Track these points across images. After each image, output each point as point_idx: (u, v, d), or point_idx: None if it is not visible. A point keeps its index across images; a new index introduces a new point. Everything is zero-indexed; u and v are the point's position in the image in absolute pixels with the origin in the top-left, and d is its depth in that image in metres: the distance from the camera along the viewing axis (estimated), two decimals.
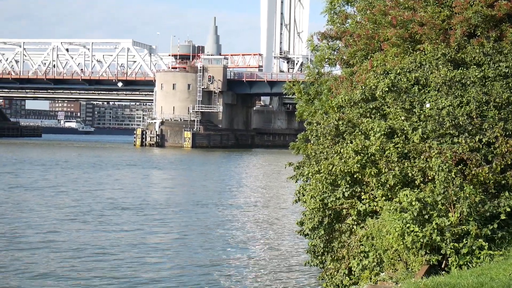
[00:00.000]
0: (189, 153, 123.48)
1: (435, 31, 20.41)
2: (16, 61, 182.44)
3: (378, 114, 18.66)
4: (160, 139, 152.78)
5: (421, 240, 14.78)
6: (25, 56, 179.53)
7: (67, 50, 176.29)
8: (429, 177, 16.44)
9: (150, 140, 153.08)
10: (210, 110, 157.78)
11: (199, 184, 59.36)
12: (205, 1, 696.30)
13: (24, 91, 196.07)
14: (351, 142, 17.65)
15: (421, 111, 17.75)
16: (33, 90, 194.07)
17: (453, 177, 15.71)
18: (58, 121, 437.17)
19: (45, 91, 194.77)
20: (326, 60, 28.33)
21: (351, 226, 17.43)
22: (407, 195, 15.20)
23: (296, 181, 20.62)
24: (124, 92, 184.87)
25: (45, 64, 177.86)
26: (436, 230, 14.84)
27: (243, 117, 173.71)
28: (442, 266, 15.30)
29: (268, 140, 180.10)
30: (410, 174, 16.53)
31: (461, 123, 17.13)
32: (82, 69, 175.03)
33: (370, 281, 16.09)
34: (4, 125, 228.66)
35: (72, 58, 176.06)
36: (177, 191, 54.05)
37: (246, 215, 40.04)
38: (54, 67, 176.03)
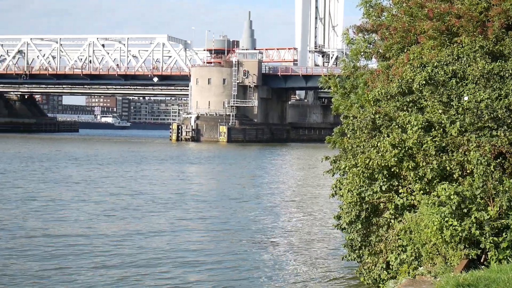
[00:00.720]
0: (225, 148, 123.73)
1: (472, 23, 20.23)
2: (53, 57, 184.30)
3: (415, 107, 18.55)
4: (196, 133, 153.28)
5: (460, 234, 14.68)
6: (62, 52, 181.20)
7: (103, 45, 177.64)
8: (468, 171, 16.32)
9: (186, 135, 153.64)
10: (245, 105, 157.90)
11: (235, 179, 59.47)
12: None
13: (61, 86, 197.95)
14: (388, 136, 17.57)
15: (459, 104, 17.61)
16: (69, 86, 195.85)
17: (492, 171, 15.58)
18: (94, 116, 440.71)
19: (82, 87, 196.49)
20: (362, 53, 28.19)
21: (388, 220, 17.36)
22: (445, 189, 15.10)
23: (333, 175, 20.57)
24: (160, 87, 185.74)
25: (81, 59, 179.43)
26: (475, 224, 14.74)
27: (278, 111, 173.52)
28: (482, 260, 15.20)
29: (303, 134, 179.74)
30: (448, 168, 16.42)
31: (499, 116, 16.96)
32: (118, 65, 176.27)
33: (408, 275, 16.02)
34: (41, 121, 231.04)
35: (108, 53, 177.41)
36: (213, 185, 54.22)
37: (282, 209, 40.05)
38: (90, 62, 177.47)
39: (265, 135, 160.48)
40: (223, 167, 74.45)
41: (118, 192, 46.06)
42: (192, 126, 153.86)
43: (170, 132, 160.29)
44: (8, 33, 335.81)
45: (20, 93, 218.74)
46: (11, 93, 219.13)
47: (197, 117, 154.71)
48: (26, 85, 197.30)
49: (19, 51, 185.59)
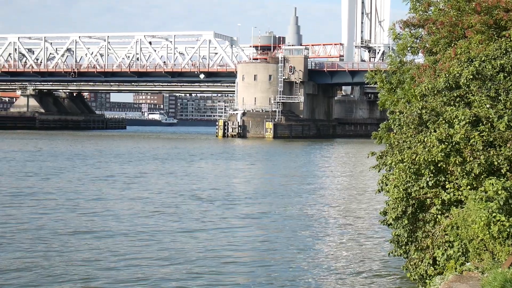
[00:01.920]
0: (271, 144, 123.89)
1: None
2: (101, 55, 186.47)
3: (462, 102, 18.41)
4: (242, 130, 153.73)
5: (508, 229, 14.56)
6: (109, 49, 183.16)
7: (150, 43, 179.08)
8: None
9: (232, 131, 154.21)
10: (291, 101, 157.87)
11: (282, 175, 59.57)
12: None
13: (108, 84, 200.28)
14: (435, 131, 17.47)
15: (507, 99, 17.44)
16: (117, 83, 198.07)
17: None
18: (142, 113, 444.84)
19: (129, 84, 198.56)
20: (409, 48, 28.02)
21: (435, 215, 17.27)
22: (493, 184, 14.98)
23: (379, 171, 20.52)
24: (206, 84, 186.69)
25: (128, 57, 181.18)
26: None
27: (324, 107, 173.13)
28: None
29: (349, 130, 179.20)
30: (496, 163, 16.28)
31: None
32: (164, 62, 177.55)
33: (456, 271, 15.93)
34: (90, 118, 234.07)
35: (155, 51, 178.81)
36: (260, 181, 54.39)
37: (328, 205, 40.05)
38: (138, 60, 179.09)
39: (311, 131, 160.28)
40: (269, 163, 74.61)
41: (165, 189, 46.48)
42: (238, 122, 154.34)
43: (217, 129, 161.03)
44: (57, 32, 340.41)
45: (69, 90, 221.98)
46: (60, 90, 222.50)
47: (243, 113, 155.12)
48: (74, 83, 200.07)
49: (68, 49, 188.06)
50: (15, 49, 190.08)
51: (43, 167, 61.32)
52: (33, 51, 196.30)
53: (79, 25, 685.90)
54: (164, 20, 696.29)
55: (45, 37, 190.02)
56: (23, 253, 24.58)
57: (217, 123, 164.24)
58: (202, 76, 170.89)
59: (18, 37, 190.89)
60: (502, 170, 16.24)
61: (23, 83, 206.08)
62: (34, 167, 61.55)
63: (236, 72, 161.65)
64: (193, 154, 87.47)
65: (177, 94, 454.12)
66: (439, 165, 17.01)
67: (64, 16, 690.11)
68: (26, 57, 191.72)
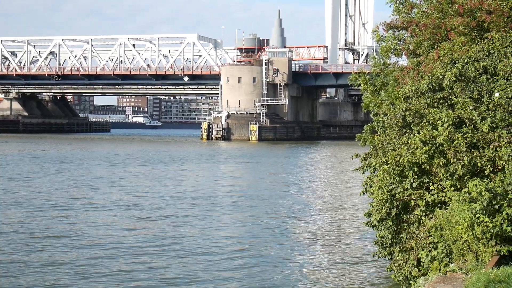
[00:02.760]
0: (255, 146, 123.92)
1: (503, 18, 20.11)
2: (85, 58, 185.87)
3: (446, 104, 18.49)
4: (226, 132, 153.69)
5: (491, 230, 14.62)
6: (93, 52, 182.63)
7: (133, 45, 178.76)
8: (499, 167, 16.25)
9: (217, 134, 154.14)
10: (275, 103, 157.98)
11: (266, 177, 59.58)
12: None
13: (92, 87, 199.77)
14: (419, 133, 17.53)
15: (490, 100, 17.53)
16: (101, 86, 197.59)
17: None
18: (126, 116, 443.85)
19: (113, 87, 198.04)
20: (392, 50, 28.11)
21: (419, 217, 17.34)
22: (476, 185, 15.04)
23: (363, 173, 20.57)
24: (190, 87, 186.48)
25: (112, 60, 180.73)
26: (506, 221, 14.66)
27: (309, 109, 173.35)
28: None
29: (334, 132, 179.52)
30: (479, 164, 16.36)
31: None
32: (148, 65, 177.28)
33: (440, 272, 16.00)
34: (74, 121, 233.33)
35: (139, 53, 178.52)
36: (243, 184, 54.37)
37: (312, 207, 40.07)
38: (121, 63, 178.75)
39: (296, 133, 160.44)
40: (253, 166, 74.60)
41: (146, 193, 46.36)
42: (222, 125, 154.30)
43: (201, 131, 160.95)
44: (40, 35, 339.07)
45: (52, 93, 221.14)
46: (44, 94, 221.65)
47: (228, 116, 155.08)
48: (58, 86, 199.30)
49: (51, 52, 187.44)
50: None
51: (21, 171, 61.02)
52: (16, 54, 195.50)
53: (63, 28, 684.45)
54: (148, 23, 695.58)
55: (28, 40, 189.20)
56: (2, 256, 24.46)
57: (201, 126, 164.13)
58: (186, 78, 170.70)
59: (1, 40, 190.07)
60: (485, 171, 16.32)
61: (6, 87, 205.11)
62: (13, 170, 61.23)
63: (220, 74, 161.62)
64: (177, 157, 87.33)
65: (161, 97, 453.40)
66: (423, 167, 17.07)
67: (48, 20, 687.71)
68: (9, 60, 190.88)
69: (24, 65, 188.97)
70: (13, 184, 49.58)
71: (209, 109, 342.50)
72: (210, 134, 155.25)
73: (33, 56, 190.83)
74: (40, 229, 30.18)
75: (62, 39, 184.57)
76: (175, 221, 33.45)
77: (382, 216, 17.89)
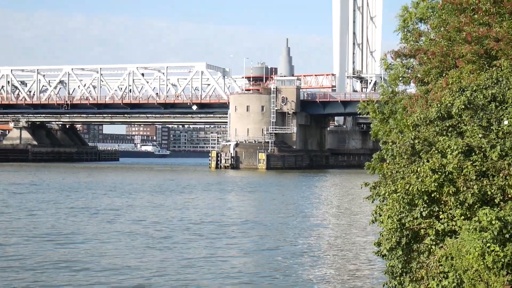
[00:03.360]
0: (264, 175, 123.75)
1: (511, 46, 20.05)
2: (94, 87, 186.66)
3: (455, 132, 18.38)
4: (235, 161, 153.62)
5: (503, 260, 14.46)
6: (102, 81, 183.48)
7: (142, 74, 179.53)
8: (509, 195, 16.10)
9: (225, 162, 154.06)
10: (284, 132, 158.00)
11: (275, 206, 59.40)
12: (278, 23, 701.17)
13: (101, 116, 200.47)
14: (428, 161, 17.41)
15: (499, 128, 17.43)
16: (110, 115, 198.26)
17: None
18: (134, 145, 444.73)
19: (122, 116, 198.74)
20: (400, 78, 28.11)
21: (429, 246, 17.16)
22: (486, 214, 14.91)
23: (372, 201, 20.42)
24: (199, 115, 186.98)
25: (121, 89, 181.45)
26: None
27: (317, 137, 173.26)
28: None
29: (342, 160, 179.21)
30: (489, 193, 16.21)
31: None
32: (157, 93, 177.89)
33: None
34: (82, 150, 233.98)
35: (148, 82, 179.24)
36: (252, 212, 54.19)
37: (321, 237, 39.87)
38: (130, 91, 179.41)
39: (304, 162, 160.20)
40: (261, 195, 74.43)
41: (155, 222, 46.24)
42: (231, 153, 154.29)
43: (210, 160, 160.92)
44: (50, 64, 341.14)
45: (61, 122, 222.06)
46: (53, 122, 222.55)
47: (236, 144, 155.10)
48: (67, 115, 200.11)
49: (61, 81, 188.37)
50: (8, 81, 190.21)
51: (32, 200, 61.01)
52: (26, 84, 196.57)
53: (72, 58, 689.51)
54: (157, 52, 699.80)
55: (38, 69, 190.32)
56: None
57: (210, 154, 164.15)
58: (194, 107, 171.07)
59: (11, 70, 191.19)
60: (495, 200, 16.17)
61: (16, 116, 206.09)
62: (24, 199, 61.23)
63: (229, 103, 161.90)
64: (185, 186, 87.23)
65: (170, 126, 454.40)
66: (432, 195, 16.94)
67: (58, 49, 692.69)
68: (19, 89, 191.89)
69: (33, 94, 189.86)
70: (19, 214, 49.56)
71: (218, 137, 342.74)
72: (219, 162, 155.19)
73: (43, 85, 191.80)
74: (46, 257, 30.08)
75: (72, 68, 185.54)
76: (182, 249, 33.29)
77: (392, 245, 17.71)
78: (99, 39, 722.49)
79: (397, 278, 18.48)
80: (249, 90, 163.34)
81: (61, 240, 35.91)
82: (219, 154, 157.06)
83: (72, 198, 64.04)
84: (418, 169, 17.25)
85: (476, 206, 16.15)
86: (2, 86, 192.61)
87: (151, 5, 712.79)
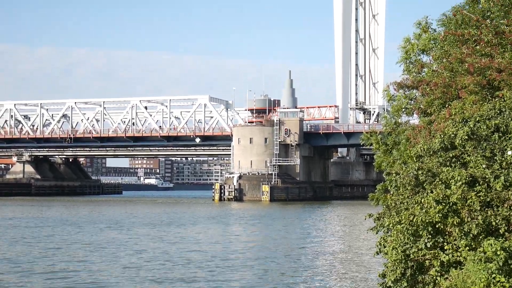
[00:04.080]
0: (268, 207, 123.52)
1: None
2: (97, 120, 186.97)
3: (458, 162, 18.41)
4: (238, 193, 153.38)
5: None
6: (105, 115, 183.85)
7: (145, 107, 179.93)
8: None
9: (229, 195, 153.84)
10: (287, 163, 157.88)
11: (278, 239, 59.23)
12: (281, 55, 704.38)
13: (104, 149, 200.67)
14: (432, 192, 17.43)
15: (503, 159, 17.46)
16: (113, 148, 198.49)
17: None
18: (138, 178, 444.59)
19: (125, 149, 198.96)
20: (403, 109, 28.20)
21: (434, 277, 17.12)
22: (491, 245, 14.89)
23: (377, 233, 20.40)
24: (202, 148, 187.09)
25: (124, 122, 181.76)
26: None
27: (321, 169, 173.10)
28: None
29: (346, 191, 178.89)
30: (494, 223, 16.21)
31: None
32: (160, 126, 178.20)
33: None
34: (86, 183, 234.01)
35: (151, 115, 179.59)
36: (256, 245, 54.04)
37: (326, 268, 39.72)
38: (133, 124, 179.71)
39: (308, 193, 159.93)
40: (265, 227, 74.22)
41: (158, 256, 46.12)
42: (234, 185, 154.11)
43: (213, 192, 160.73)
44: (53, 98, 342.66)
45: (65, 156, 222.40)
46: (56, 156, 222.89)
47: (240, 177, 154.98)
48: (70, 149, 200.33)
49: (64, 115, 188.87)
50: (11, 115, 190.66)
51: (32, 234, 60.92)
52: (29, 118, 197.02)
53: (75, 91, 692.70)
54: (160, 85, 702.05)
55: (41, 103, 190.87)
56: None
57: (213, 187, 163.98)
58: (198, 140, 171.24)
59: (14, 104, 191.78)
60: (500, 230, 16.16)
61: (19, 150, 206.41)
62: (24, 233, 61.15)
63: (232, 135, 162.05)
64: (188, 219, 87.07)
65: (173, 158, 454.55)
66: (437, 226, 16.93)
67: (61, 83, 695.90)
68: (22, 123, 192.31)
69: (37, 128, 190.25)
70: (20, 247, 49.47)
71: (221, 170, 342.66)
72: (222, 195, 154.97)
73: (46, 119, 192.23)
74: None
75: (75, 102, 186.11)
76: (185, 283, 33.18)
77: (396, 276, 17.68)
78: (102, 73, 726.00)
79: None
80: (252, 122, 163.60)
81: (61, 276, 35.82)
82: (222, 187, 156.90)
83: (72, 232, 63.95)
84: (422, 200, 17.27)
85: (481, 237, 16.13)
86: (6, 121, 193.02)
87: (154, 38, 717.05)
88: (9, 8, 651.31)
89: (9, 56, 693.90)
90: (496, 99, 20.12)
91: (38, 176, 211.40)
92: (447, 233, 17.04)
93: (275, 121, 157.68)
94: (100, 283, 32.94)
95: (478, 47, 22.13)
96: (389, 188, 20.74)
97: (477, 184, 17.12)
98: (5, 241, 54.38)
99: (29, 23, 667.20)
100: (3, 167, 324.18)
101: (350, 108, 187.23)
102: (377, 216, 20.72)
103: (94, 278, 34.72)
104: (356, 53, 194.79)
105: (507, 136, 18.40)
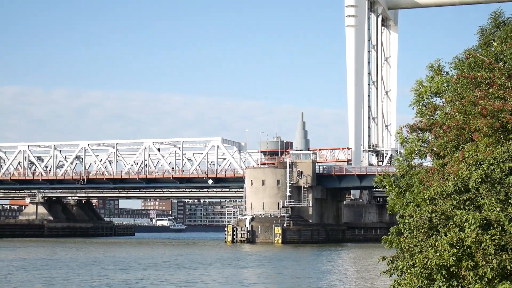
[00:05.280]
0: (280, 249, 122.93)
1: None
2: (110, 162, 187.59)
3: (472, 205, 18.34)
4: (251, 235, 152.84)
5: None
6: (118, 156, 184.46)
7: (158, 149, 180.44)
8: None
9: (241, 237, 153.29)
10: (300, 205, 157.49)
11: (291, 283, 58.86)
12: (294, 98, 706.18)
13: (117, 190, 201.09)
14: (446, 235, 17.35)
15: None
16: (126, 190, 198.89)
17: None
18: (150, 219, 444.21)
19: (138, 190, 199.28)
20: (416, 152, 28.17)
21: None
22: None
23: (390, 276, 20.27)
24: (215, 189, 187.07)
25: (137, 163, 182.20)
26: None
27: (333, 211, 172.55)
28: None
29: (359, 234, 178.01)
30: (508, 267, 16.10)
31: None
32: (173, 168, 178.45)
33: None
34: (98, 225, 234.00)
35: (163, 157, 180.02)
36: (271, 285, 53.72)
37: None
38: (146, 166, 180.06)
39: (321, 236, 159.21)
40: (278, 270, 73.81)
41: None
42: (247, 227, 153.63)
43: (225, 234, 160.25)
44: (66, 140, 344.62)
45: (77, 197, 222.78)
46: (69, 198, 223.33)
47: (252, 219, 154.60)
48: (83, 190, 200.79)
49: (77, 157, 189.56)
50: (25, 157, 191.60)
51: (42, 276, 60.82)
52: (43, 159, 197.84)
53: (88, 133, 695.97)
54: (173, 127, 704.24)
55: (54, 145, 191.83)
56: None
57: (225, 229, 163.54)
58: (210, 181, 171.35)
59: (28, 146, 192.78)
60: None
61: (32, 191, 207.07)
62: (35, 276, 61.05)
63: (244, 177, 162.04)
64: (201, 261, 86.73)
65: (186, 200, 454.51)
66: (451, 270, 16.82)
67: (74, 124, 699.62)
68: (35, 165, 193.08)
69: (50, 170, 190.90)
70: None
71: (233, 211, 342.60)
72: (235, 237, 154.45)
73: (59, 161, 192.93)
74: None
75: (88, 144, 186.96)
76: None
77: None
78: (115, 114, 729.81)
79: None
80: (265, 164, 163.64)
81: None
82: (235, 228, 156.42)
83: (83, 274, 63.78)
84: (436, 243, 17.18)
85: (496, 281, 16.02)
86: (19, 162, 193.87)
87: (167, 80, 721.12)
88: (24, 50, 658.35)
89: (23, 98, 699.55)
90: (510, 142, 20.09)
91: (51, 218, 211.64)
92: (461, 276, 16.92)
93: (288, 163, 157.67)
94: None
95: (491, 90, 22.16)
96: (402, 231, 20.65)
97: (491, 227, 17.04)
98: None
99: (44, 65, 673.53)
100: (16, 208, 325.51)
101: (363, 150, 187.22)
102: (391, 259, 20.59)
103: None
104: (369, 96, 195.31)
105: None
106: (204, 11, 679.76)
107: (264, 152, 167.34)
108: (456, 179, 18.97)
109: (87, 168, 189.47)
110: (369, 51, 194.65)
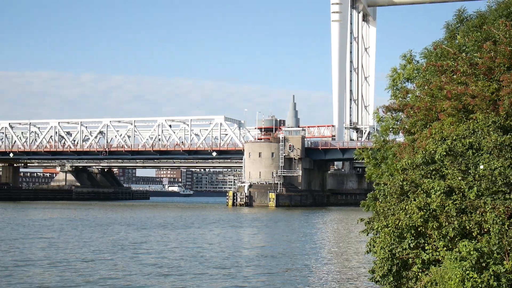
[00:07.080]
0: (274, 212, 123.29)
1: (485, 102, 20.15)
2: (128, 136, 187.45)
3: (438, 175, 18.40)
4: (249, 199, 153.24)
5: (480, 285, 14.38)
6: (136, 132, 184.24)
7: (170, 126, 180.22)
8: (485, 229, 16.06)
9: (240, 201, 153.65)
10: (291, 174, 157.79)
11: (281, 240, 59.11)
12: (287, 83, 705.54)
13: (134, 161, 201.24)
14: (415, 200, 17.43)
15: (476, 172, 17.45)
16: (142, 160, 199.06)
17: (506, 229, 15.32)
18: (163, 185, 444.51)
19: (152, 161, 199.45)
20: (391, 129, 28.24)
21: (416, 273, 17.09)
22: (465, 246, 14.88)
23: (367, 234, 20.38)
24: (218, 160, 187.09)
25: (151, 138, 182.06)
26: (493, 276, 14.44)
27: (319, 179, 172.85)
28: None
29: (341, 199, 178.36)
30: (467, 227, 16.18)
31: (511, 181, 16.74)
32: (182, 142, 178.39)
33: None
34: (118, 190, 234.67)
35: (174, 132, 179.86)
36: (262, 244, 53.91)
37: (322, 265, 39.60)
38: (159, 140, 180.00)
39: (308, 200, 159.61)
40: (272, 229, 74.04)
41: (176, 251, 46.04)
42: (245, 193, 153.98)
43: (227, 199, 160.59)
44: (91, 117, 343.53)
45: (101, 167, 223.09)
46: (93, 167, 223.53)
47: (250, 186, 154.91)
48: (106, 160, 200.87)
49: (100, 132, 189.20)
50: (56, 132, 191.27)
51: (74, 234, 61.01)
52: (71, 134, 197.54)
53: (111, 111, 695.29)
54: (183, 107, 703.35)
55: (81, 121, 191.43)
56: None
57: (227, 194, 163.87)
58: (214, 153, 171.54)
59: (58, 122, 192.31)
60: (473, 233, 16.13)
61: (62, 161, 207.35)
62: (66, 233, 61.22)
63: (244, 150, 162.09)
64: (206, 220, 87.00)
65: (193, 170, 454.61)
66: (419, 229, 16.92)
67: (99, 104, 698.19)
68: (65, 138, 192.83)
69: (77, 143, 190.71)
70: (65, 245, 49.57)
71: (234, 179, 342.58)
72: (235, 201, 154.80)
73: (85, 135, 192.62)
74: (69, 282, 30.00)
75: (110, 121, 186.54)
76: (196, 277, 33.13)
77: (384, 272, 17.64)
78: (134, 96, 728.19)
79: None
80: (261, 139, 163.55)
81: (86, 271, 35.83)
82: (235, 194, 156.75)
83: (107, 233, 63.96)
84: (406, 207, 17.26)
85: (456, 239, 16.11)
86: (51, 136, 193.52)
87: (179, 67, 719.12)
88: (56, 39, 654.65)
89: (55, 81, 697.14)
90: (470, 121, 20.12)
91: (78, 184, 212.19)
92: (427, 235, 17.02)
93: (281, 138, 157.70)
94: (118, 273, 32.90)
95: (455, 76, 22.16)
96: (378, 196, 20.74)
97: (453, 194, 17.11)
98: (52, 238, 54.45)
99: (74, 53, 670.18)
100: (48, 175, 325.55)
101: (345, 128, 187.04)
102: (368, 220, 20.70)
103: (113, 272, 34.67)
104: (351, 81, 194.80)
105: (480, 153, 18.39)
106: (209, 10, 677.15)
107: (260, 129, 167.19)
108: (424, 152, 19.02)
109: (109, 142, 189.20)
110: (351, 43, 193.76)
